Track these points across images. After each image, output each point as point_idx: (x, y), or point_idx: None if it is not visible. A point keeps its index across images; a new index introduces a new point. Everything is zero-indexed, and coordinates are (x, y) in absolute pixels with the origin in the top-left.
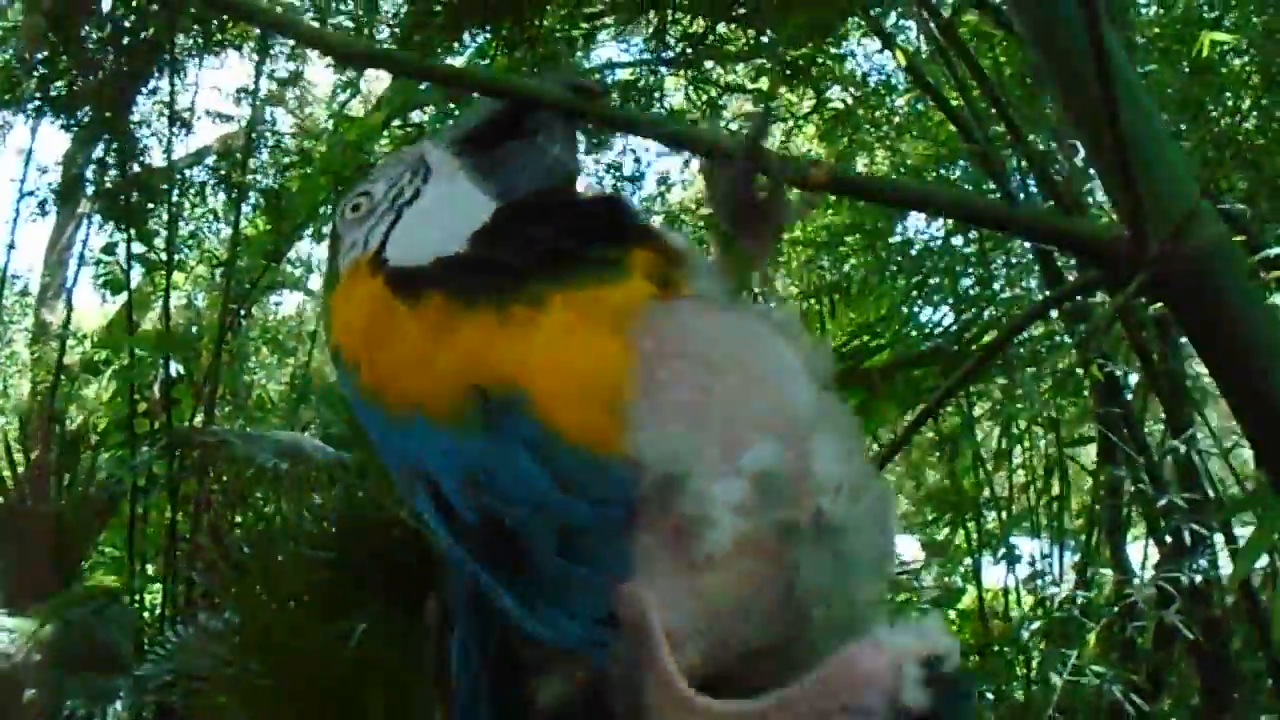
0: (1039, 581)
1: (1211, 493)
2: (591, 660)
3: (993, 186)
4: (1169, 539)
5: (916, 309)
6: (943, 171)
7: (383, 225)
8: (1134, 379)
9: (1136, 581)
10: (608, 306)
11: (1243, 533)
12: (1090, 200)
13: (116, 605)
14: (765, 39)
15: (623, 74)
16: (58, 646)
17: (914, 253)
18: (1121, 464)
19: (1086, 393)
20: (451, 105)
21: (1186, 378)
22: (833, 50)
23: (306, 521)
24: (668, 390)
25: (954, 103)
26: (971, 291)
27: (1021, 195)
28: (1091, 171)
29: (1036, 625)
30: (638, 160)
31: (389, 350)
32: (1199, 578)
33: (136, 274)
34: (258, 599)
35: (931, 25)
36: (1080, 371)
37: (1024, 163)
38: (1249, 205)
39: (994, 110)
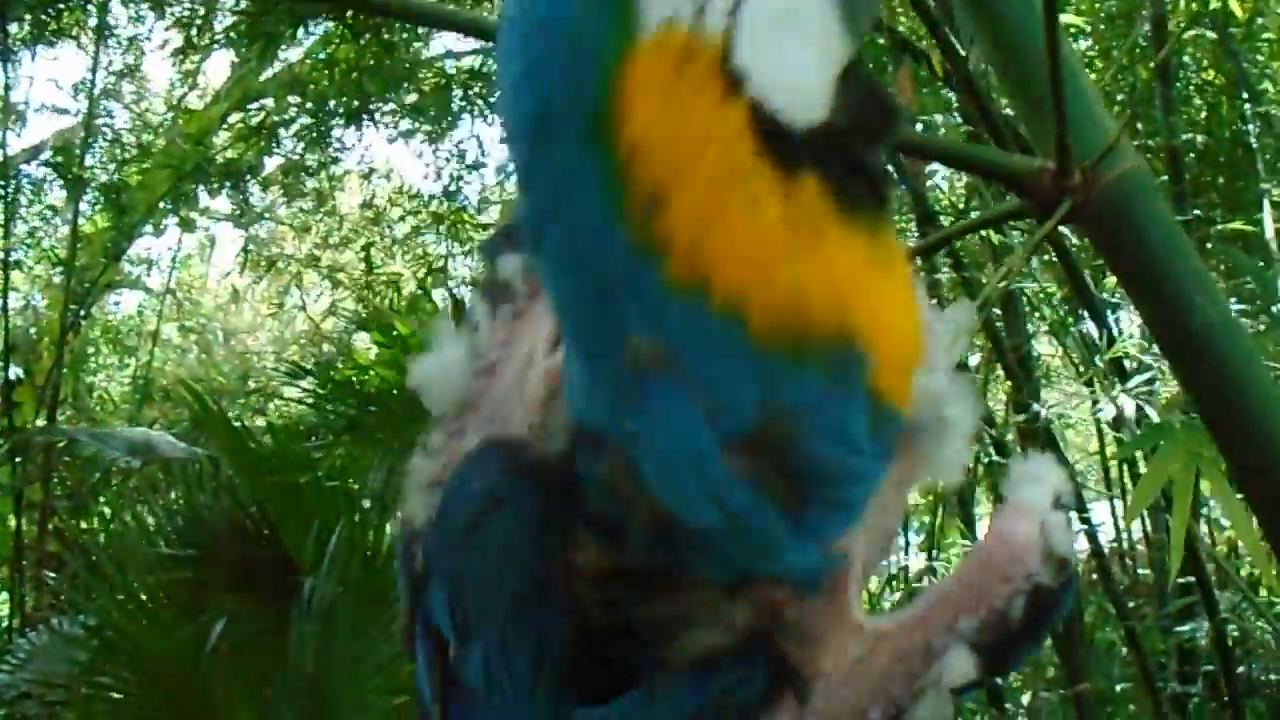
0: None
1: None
2: (801, 590)
3: None
4: None
5: None
6: None
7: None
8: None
9: None
10: (902, 253)
11: (1096, 505)
12: None
13: None
14: None
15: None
16: None
17: None
18: None
19: None
20: (291, 99)
21: (1031, 355)
22: None
23: (160, 519)
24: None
25: None
26: None
27: None
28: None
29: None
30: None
31: (735, 233)
32: None
33: None
34: (114, 600)
35: None
36: None
37: None
38: None
39: None
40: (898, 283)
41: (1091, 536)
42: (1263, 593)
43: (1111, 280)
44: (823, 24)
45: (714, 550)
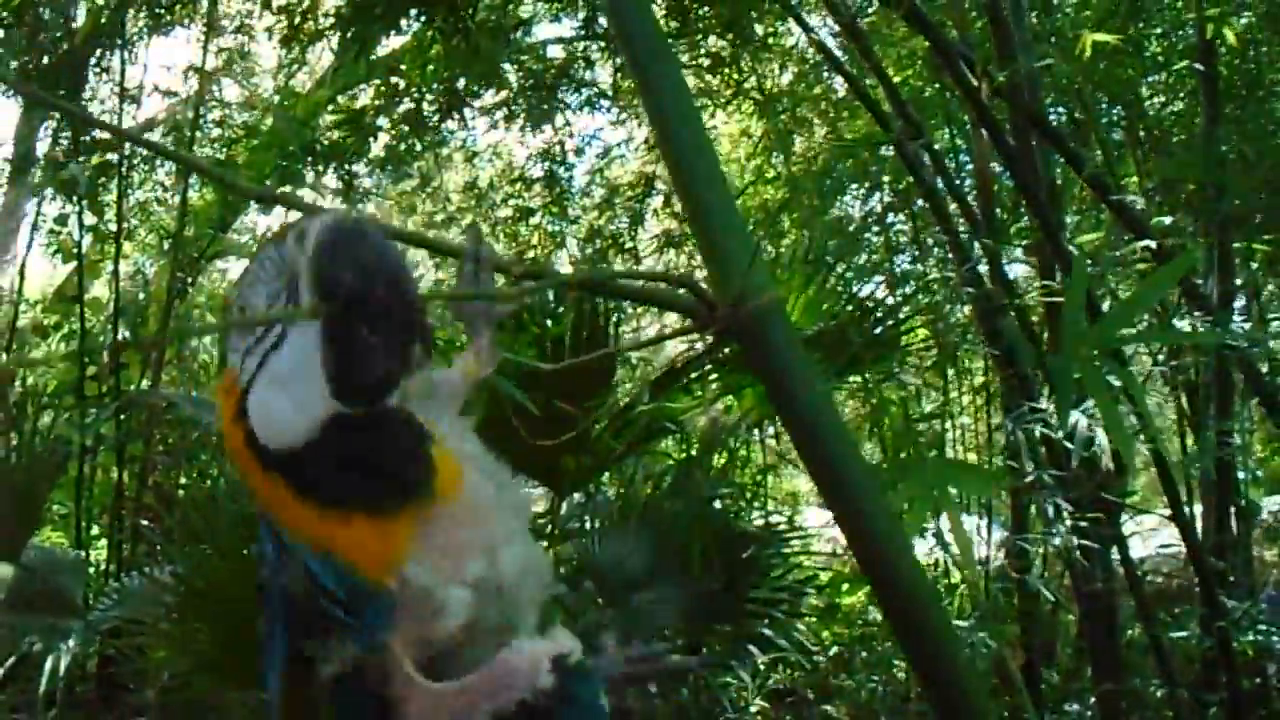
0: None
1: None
2: (366, 652)
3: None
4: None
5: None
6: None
7: (255, 361)
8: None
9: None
10: (410, 524)
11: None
12: None
13: (69, 553)
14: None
15: (555, 53)
16: (17, 590)
17: (851, 229)
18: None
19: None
20: (391, 84)
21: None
22: (765, 36)
23: None
24: (433, 542)
25: (874, 93)
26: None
27: (939, 180)
28: None
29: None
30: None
31: (267, 499)
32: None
33: (87, 241)
34: (202, 554)
35: (837, 20)
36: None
37: (930, 155)
38: (1162, 192)
39: (896, 106)
40: (367, 530)
41: (1121, 544)
42: None
43: None
44: (307, 389)
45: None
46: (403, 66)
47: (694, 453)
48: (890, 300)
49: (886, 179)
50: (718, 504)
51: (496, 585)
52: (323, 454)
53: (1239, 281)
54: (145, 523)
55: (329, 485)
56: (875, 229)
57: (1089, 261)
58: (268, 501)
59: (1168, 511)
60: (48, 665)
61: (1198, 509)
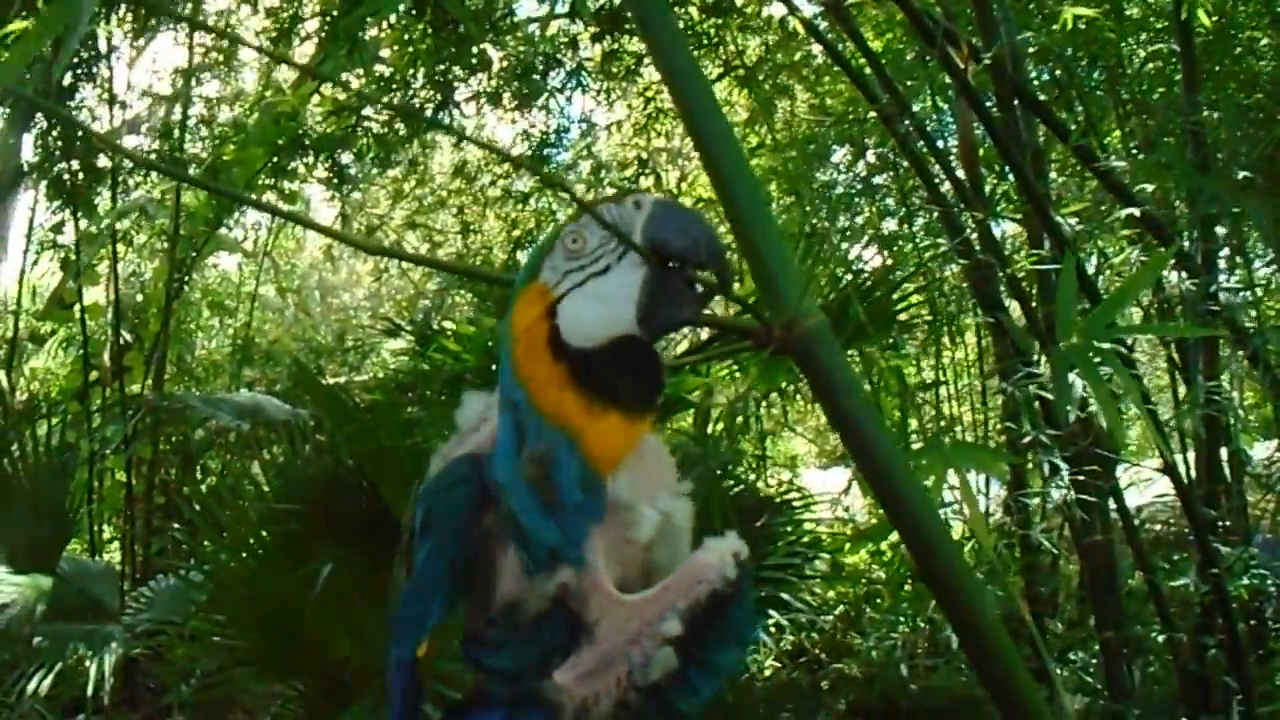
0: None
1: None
2: (568, 558)
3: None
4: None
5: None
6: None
7: (574, 280)
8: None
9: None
10: (640, 429)
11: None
12: None
13: (98, 562)
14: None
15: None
16: (56, 600)
17: (837, 194)
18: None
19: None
20: (381, 69)
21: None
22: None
23: (269, 476)
24: (635, 466)
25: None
26: (892, 230)
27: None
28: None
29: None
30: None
31: (537, 373)
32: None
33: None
34: (229, 550)
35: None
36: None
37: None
38: (1143, 151)
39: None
40: (614, 425)
41: (1118, 496)
42: None
43: None
44: (620, 311)
45: (527, 529)
46: (385, 54)
47: (709, 427)
48: (882, 265)
49: (870, 141)
50: (732, 473)
51: (674, 528)
52: (608, 358)
53: (1222, 230)
54: (165, 521)
55: (605, 380)
56: (862, 194)
57: (1077, 225)
58: (544, 386)
59: (1159, 463)
60: (93, 671)
61: (1191, 456)
